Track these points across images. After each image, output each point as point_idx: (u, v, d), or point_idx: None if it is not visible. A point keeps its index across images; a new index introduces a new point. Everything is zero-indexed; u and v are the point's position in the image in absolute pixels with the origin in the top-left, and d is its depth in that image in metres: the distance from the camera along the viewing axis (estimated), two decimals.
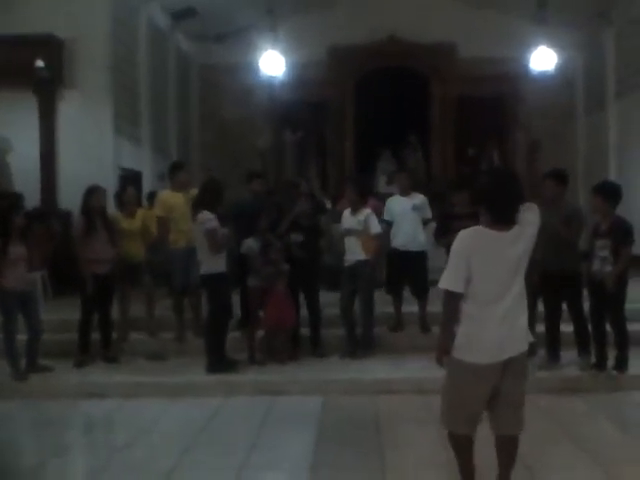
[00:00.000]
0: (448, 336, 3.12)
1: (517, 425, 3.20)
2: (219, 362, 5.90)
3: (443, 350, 3.13)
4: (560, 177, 5.81)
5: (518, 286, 3.09)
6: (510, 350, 3.07)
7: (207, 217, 5.81)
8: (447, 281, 3.07)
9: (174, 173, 6.82)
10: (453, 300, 3.08)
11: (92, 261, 6.19)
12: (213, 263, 5.87)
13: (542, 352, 5.87)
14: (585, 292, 5.72)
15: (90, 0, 9.12)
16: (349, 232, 6.39)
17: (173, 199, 6.59)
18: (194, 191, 6.34)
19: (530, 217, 3.15)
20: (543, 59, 10.72)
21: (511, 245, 3.05)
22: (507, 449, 3.24)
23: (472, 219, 6.29)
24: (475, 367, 3.04)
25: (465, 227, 3.16)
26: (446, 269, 3.09)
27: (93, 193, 6.35)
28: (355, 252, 6.32)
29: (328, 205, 9.59)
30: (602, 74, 11.91)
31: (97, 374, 6.08)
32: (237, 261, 6.29)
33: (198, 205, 5.92)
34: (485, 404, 3.15)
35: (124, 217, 6.73)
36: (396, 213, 6.86)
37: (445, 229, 6.12)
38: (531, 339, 3.20)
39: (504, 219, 3.06)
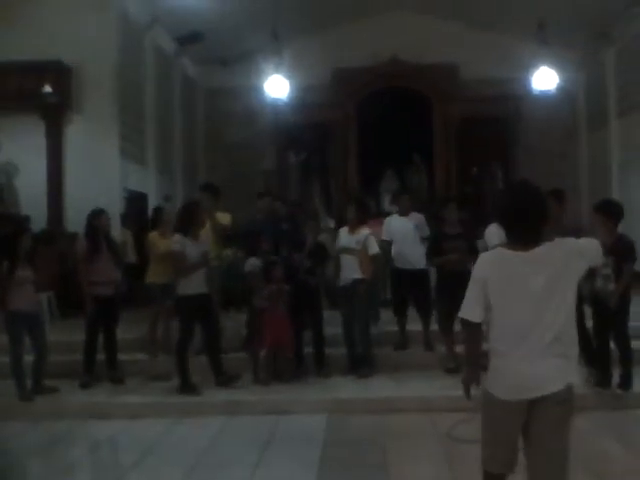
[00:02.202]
0: (470, 367, 2.95)
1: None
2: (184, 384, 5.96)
3: (466, 383, 2.94)
4: (559, 196, 5.83)
5: (558, 321, 2.71)
6: (537, 389, 2.72)
7: (175, 240, 5.99)
8: (464, 309, 2.87)
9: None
10: (471, 330, 2.88)
11: (96, 283, 6.23)
12: (181, 286, 5.96)
13: None
14: (589, 310, 5.73)
15: (97, 26, 9.29)
16: (346, 251, 6.43)
17: None
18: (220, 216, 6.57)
19: (575, 246, 2.82)
20: (544, 79, 10.77)
21: (534, 270, 2.72)
22: None
23: (461, 239, 6.40)
24: (500, 402, 2.78)
25: (455, 247, 2.97)
26: (465, 296, 2.89)
27: (97, 216, 6.41)
28: (352, 271, 6.35)
29: (332, 225, 9.63)
30: (604, 93, 11.99)
31: (102, 395, 6.11)
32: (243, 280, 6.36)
33: (175, 229, 6.15)
34: (516, 445, 2.81)
35: (161, 238, 6.48)
36: (397, 233, 6.87)
37: (436, 250, 6.15)
38: (575, 380, 2.82)
39: (521, 238, 2.76)
